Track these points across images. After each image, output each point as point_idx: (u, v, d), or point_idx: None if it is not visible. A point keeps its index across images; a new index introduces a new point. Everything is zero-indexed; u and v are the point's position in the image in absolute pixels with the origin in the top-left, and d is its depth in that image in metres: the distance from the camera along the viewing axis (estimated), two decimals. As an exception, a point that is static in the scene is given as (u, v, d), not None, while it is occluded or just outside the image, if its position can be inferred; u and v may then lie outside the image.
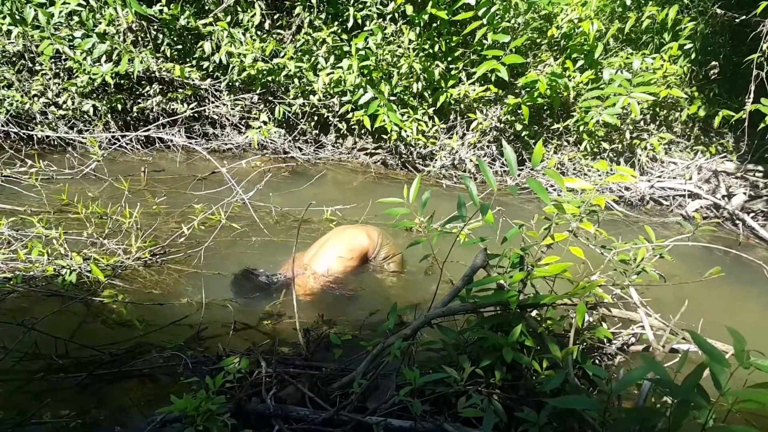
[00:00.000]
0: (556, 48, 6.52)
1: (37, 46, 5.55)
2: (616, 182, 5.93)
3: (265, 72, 6.14)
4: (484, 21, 5.72)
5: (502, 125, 6.37)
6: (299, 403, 2.15)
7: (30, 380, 2.43)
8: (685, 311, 2.72)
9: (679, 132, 6.53)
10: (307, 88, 6.35)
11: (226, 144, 6.39)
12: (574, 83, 6.10)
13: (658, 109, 6.45)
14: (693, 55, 6.17)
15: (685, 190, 5.90)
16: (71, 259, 3.17)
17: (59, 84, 5.80)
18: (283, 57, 6.12)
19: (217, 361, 2.52)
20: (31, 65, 5.82)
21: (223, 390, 2.07)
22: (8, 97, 5.41)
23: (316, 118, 6.66)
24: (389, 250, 3.75)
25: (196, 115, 6.34)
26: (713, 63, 6.15)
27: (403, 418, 2.02)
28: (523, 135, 6.34)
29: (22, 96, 5.50)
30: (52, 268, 3.13)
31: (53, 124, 5.75)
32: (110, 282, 3.24)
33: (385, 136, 6.43)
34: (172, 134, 6.07)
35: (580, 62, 6.21)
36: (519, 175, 5.94)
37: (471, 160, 6.32)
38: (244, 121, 6.45)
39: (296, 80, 6.28)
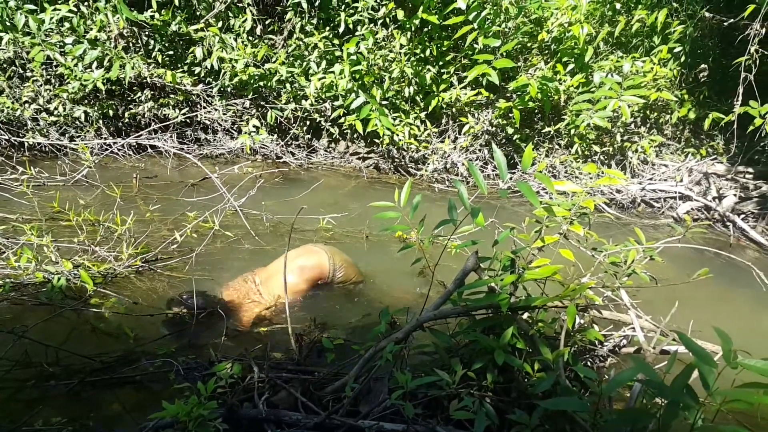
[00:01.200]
0: (546, 52, 6.55)
1: (27, 53, 5.54)
2: (607, 185, 5.96)
3: (256, 77, 6.14)
4: (475, 25, 5.75)
5: (494, 129, 6.40)
6: (292, 408, 2.15)
7: (21, 388, 2.42)
8: (676, 313, 2.74)
9: (669, 134, 6.57)
10: (299, 92, 6.36)
11: (218, 149, 6.40)
12: (565, 87, 6.13)
13: (648, 112, 6.49)
14: (682, 58, 6.22)
15: (676, 192, 5.93)
16: (61, 265, 3.15)
17: (50, 90, 5.80)
18: (274, 62, 6.13)
19: (209, 366, 2.51)
20: (22, 72, 5.81)
21: (215, 395, 2.06)
22: (-1, 104, 5.40)
23: (308, 122, 6.67)
24: (345, 273, 3.60)
25: (188, 120, 6.34)
26: (702, 66, 6.19)
27: (395, 421, 2.03)
28: (514, 138, 6.36)
29: (13, 102, 5.49)
30: (42, 275, 3.11)
31: (44, 130, 5.75)
32: (101, 290, 3.23)
33: (377, 141, 6.45)
34: (164, 140, 6.07)
35: (571, 66, 6.24)
36: (510, 179, 5.96)
37: (463, 164, 6.34)
38: (236, 126, 6.45)
39: (288, 85, 6.29)
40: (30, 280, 3.18)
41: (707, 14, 5.96)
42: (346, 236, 4.48)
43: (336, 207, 4.80)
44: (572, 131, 6.18)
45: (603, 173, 2.24)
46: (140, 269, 3.56)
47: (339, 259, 3.60)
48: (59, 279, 2.97)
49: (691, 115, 6.30)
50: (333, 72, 6.09)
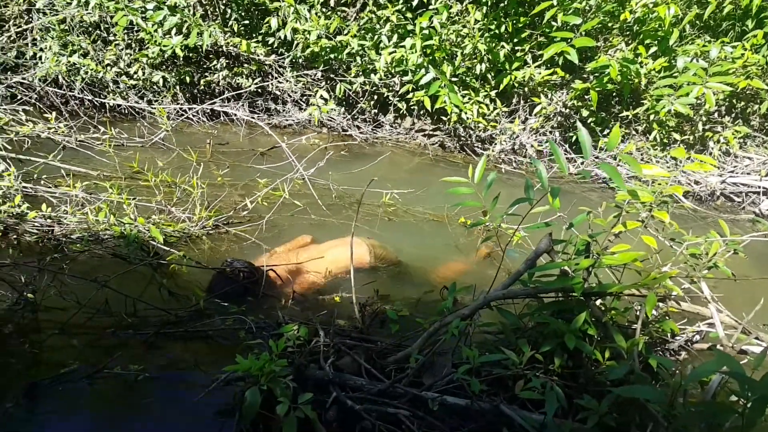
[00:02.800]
0: (628, 33, 6.28)
1: (111, 17, 5.73)
2: (686, 175, 5.72)
3: (328, 49, 6.16)
4: (555, 2, 5.55)
5: (567, 111, 6.21)
6: (355, 374, 2.18)
7: (102, 335, 2.54)
8: (758, 313, 2.61)
9: (756, 126, 6.21)
10: (368, 66, 6.33)
11: (287, 120, 6.48)
12: (646, 70, 5.87)
13: (735, 101, 6.15)
14: (777, 45, 5.84)
15: (759, 187, 5.62)
16: (136, 221, 3.28)
17: (131, 54, 5.98)
18: (346, 35, 6.12)
19: (277, 327, 2.58)
20: (105, 35, 6.02)
21: (284, 354, 2.11)
22: (84, 66, 5.62)
23: (375, 97, 6.65)
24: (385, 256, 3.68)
25: (259, 90, 6.43)
26: (800, 53, 5.80)
27: (458, 396, 2.03)
28: (589, 121, 6.16)
29: (96, 65, 5.70)
30: (119, 228, 3.24)
31: (124, 93, 5.95)
32: (173, 248, 3.35)
33: (444, 118, 6.37)
34: (236, 108, 6.19)
35: (653, 48, 5.97)
36: (582, 164, 5.79)
37: (532, 146, 6.20)
38: (305, 97, 6.51)
39: (358, 58, 6.28)
40: (109, 235, 3.33)
41: (808, -3, 5.56)
42: (409, 214, 4.48)
43: (399, 183, 4.78)
44: (651, 117, 5.94)
45: (692, 159, 2.14)
46: (212, 231, 3.67)
47: (380, 251, 3.65)
48: (133, 231, 3.09)
49: (783, 106, 5.93)
50: (404, 46, 6.02)
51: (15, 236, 3.23)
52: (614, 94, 6.27)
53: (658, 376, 2.07)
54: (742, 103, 6.15)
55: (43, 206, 3.33)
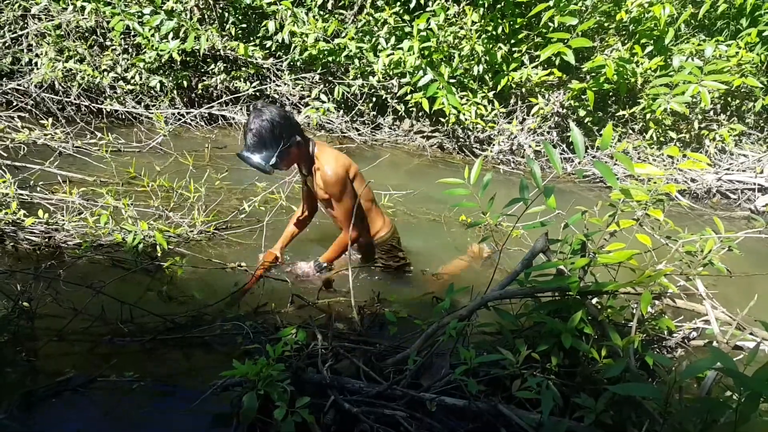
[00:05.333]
0: (624, 33, 6.31)
1: (108, 22, 5.75)
2: (682, 173, 5.73)
3: (326, 52, 6.18)
4: (551, 3, 5.57)
5: (565, 111, 6.23)
6: (354, 377, 2.18)
7: (98, 342, 2.53)
8: (752, 308, 2.61)
9: (751, 123, 6.24)
10: (366, 68, 6.36)
11: (285, 123, 6.48)
12: (642, 69, 5.89)
13: (730, 99, 6.17)
14: (772, 43, 5.86)
15: (755, 184, 5.64)
16: (138, 226, 3.29)
17: (128, 59, 6.00)
18: (344, 37, 6.14)
19: (275, 331, 2.58)
20: (102, 41, 6.03)
21: (282, 359, 2.12)
22: (80, 71, 5.62)
23: (374, 99, 6.67)
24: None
25: (257, 93, 6.45)
26: (794, 51, 5.82)
27: (456, 397, 2.03)
28: (586, 121, 6.18)
29: (93, 70, 5.71)
30: (120, 236, 3.25)
31: (121, 98, 5.96)
32: (173, 251, 3.35)
33: (442, 119, 6.39)
34: (234, 112, 6.20)
35: (649, 48, 5.99)
36: (580, 163, 5.80)
37: (530, 146, 6.21)
38: (303, 101, 6.52)
39: (356, 61, 6.30)
40: (107, 241, 3.33)
41: (803, -5, 5.58)
42: (409, 214, 4.49)
43: (398, 185, 4.80)
44: (648, 116, 5.96)
45: (686, 157, 2.15)
46: (211, 236, 3.68)
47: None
48: (134, 237, 3.09)
49: (777, 104, 5.94)
50: (401, 48, 6.05)
51: (12, 244, 3.23)
52: (611, 93, 6.29)
53: (654, 374, 2.08)
54: (737, 101, 6.17)
55: (40, 212, 3.33)
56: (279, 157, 2.85)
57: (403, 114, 6.70)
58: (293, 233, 3.59)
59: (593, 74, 5.94)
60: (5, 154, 4.33)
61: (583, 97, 6.06)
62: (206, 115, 6.18)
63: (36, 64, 5.62)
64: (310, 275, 3.36)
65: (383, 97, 6.60)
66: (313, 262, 3.38)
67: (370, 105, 6.68)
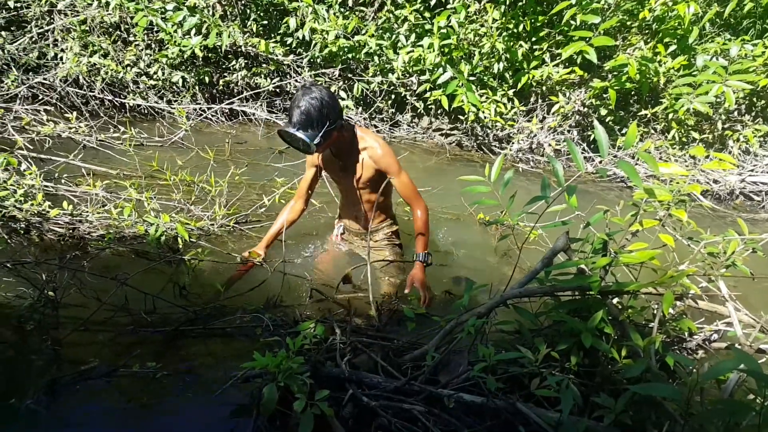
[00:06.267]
0: (647, 31, 6.24)
1: (132, 18, 5.81)
2: (704, 174, 5.66)
3: (346, 49, 6.19)
4: (573, 1, 5.53)
5: (585, 110, 6.18)
6: (372, 372, 2.19)
7: (121, 332, 2.57)
8: (777, 310, 2.59)
9: (777, 124, 6.14)
10: (386, 66, 6.36)
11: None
12: (665, 68, 5.82)
13: (755, 99, 6.07)
14: (800, 42, 5.75)
15: (779, 186, 5.56)
16: (160, 218, 3.32)
17: (151, 55, 6.06)
18: (364, 34, 6.15)
19: (293, 325, 2.60)
20: (125, 36, 6.10)
21: (301, 352, 2.13)
22: (104, 66, 5.70)
23: (393, 96, 6.67)
24: None
25: (277, 90, 6.49)
26: (822, 51, 5.70)
27: (473, 394, 2.03)
28: (607, 120, 6.12)
29: (116, 65, 5.78)
30: (143, 227, 3.29)
31: (144, 93, 6.03)
32: (194, 243, 3.39)
33: (461, 117, 6.38)
34: (255, 108, 6.24)
35: (673, 47, 5.92)
36: (601, 162, 5.75)
37: (550, 145, 6.17)
38: (323, 97, 6.52)
39: (376, 58, 6.30)
40: (130, 233, 3.38)
41: (833, -6, 5.47)
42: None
43: (416, 182, 4.77)
44: (670, 116, 5.89)
45: (710, 157, 2.12)
46: (231, 230, 3.71)
47: None
48: (157, 230, 3.13)
49: (805, 105, 5.84)
50: (422, 46, 6.04)
51: (37, 234, 3.29)
52: (633, 92, 6.23)
53: (674, 375, 2.06)
54: (763, 102, 6.07)
55: (64, 204, 3.38)
56: (323, 137, 2.87)
57: (422, 111, 6.69)
58: (280, 230, 3.44)
59: (615, 73, 5.89)
60: (31, 147, 4.41)
61: (604, 96, 6.01)
62: (227, 110, 6.23)
63: (61, 58, 5.71)
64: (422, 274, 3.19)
65: (402, 95, 6.60)
66: (417, 260, 3.19)
67: (389, 102, 6.68)
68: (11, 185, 3.45)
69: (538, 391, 1.86)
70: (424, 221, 3.20)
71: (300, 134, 2.79)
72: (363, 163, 3.10)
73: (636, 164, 5.77)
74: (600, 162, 5.88)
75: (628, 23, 6.21)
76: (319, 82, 6.42)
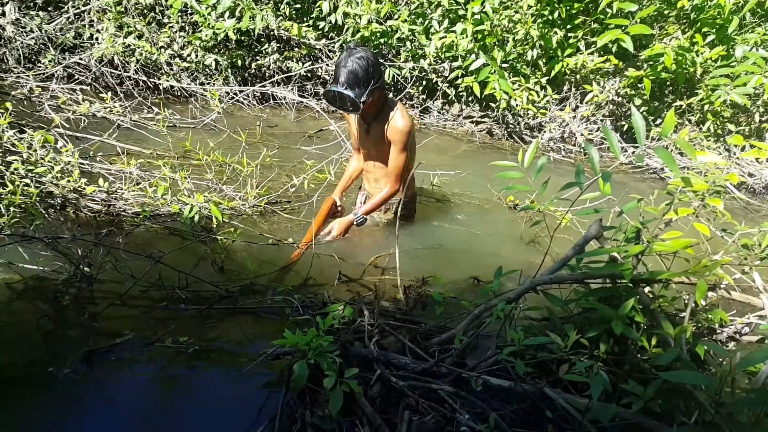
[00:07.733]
0: (685, 21, 6.09)
1: (166, 0, 5.87)
2: (739, 166, 5.55)
3: (378, 34, 6.17)
4: (610, -12, 5.43)
5: (620, 99, 6.08)
6: (399, 353, 2.22)
7: (154, 308, 2.64)
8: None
9: (818, 117, 5.97)
10: (418, 51, 6.33)
11: (335, 104, 6.53)
12: (702, 59, 5.69)
13: (796, 91, 5.91)
14: None
15: (818, 181, 5.42)
16: (194, 198, 3.38)
17: (184, 37, 6.12)
18: (397, 19, 6.13)
19: (322, 306, 2.64)
20: (160, 18, 6.17)
21: (330, 332, 2.17)
22: (139, 47, 5.78)
23: (424, 82, 6.64)
24: None
25: (309, 74, 6.50)
26: None
27: (501, 378, 2.04)
28: (642, 110, 6.02)
29: (151, 47, 5.85)
30: (177, 206, 3.36)
31: (177, 75, 6.10)
32: (227, 223, 3.45)
33: (493, 105, 6.33)
34: (286, 91, 6.28)
35: (711, 37, 5.77)
36: (633, 153, 5.67)
37: (582, 134, 6.09)
38: (353, 82, 6.53)
39: (408, 43, 6.27)
40: (165, 211, 3.44)
41: None
42: (456, 196, 4.49)
43: (445, 169, 4.78)
44: (706, 107, 5.76)
45: (748, 147, 2.09)
46: (262, 211, 3.76)
47: None
48: (191, 209, 3.19)
49: None
50: (455, 32, 5.99)
51: (73, 210, 3.37)
52: (668, 83, 6.11)
53: (705, 365, 2.05)
54: (805, 94, 5.90)
55: (100, 181, 3.46)
56: (368, 95, 3.00)
57: (453, 98, 6.65)
58: (352, 177, 3.82)
59: (651, 62, 5.77)
60: (67, 125, 4.51)
61: (639, 85, 5.90)
62: (258, 94, 6.27)
63: (97, 39, 5.80)
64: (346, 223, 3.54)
65: (433, 81, 6.56)
66: (353, 214, 3.54)
67: (420, 88, 6.65)
68: (48, 161, 3.54)
69: (567, 376, 1.86)
70: (384, 198, 3.47)
71: (348, 92, 2.94)
72: (385, 132, 3.27)
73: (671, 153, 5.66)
74: (634, 152, 5.79)
75: (666, 12, 6.07)
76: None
